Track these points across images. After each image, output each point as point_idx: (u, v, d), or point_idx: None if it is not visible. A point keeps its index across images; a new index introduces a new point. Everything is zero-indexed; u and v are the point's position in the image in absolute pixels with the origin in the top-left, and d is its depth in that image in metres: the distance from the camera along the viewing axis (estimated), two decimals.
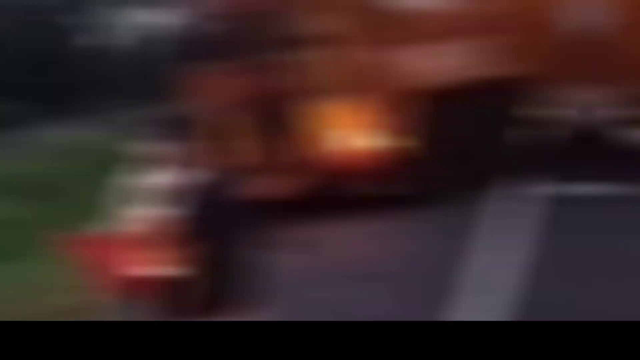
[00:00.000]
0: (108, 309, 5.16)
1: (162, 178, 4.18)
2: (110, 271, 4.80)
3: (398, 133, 8.90)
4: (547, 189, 9.37)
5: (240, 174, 6.32)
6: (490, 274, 6.59)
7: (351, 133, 8.80)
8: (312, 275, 6.78)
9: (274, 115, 9.15)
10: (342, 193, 9.38)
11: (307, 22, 9.30)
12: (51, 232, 5.78)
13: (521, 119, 10.03)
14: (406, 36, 9.21)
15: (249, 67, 9.33)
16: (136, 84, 29.56)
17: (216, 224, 3.92)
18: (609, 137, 10.76)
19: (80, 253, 4.94)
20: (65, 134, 20.05)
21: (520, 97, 9.84)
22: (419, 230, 8.33)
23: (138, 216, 4.32)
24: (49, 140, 19.83)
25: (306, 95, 9.12)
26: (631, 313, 5.04)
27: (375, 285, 6.74)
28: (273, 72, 9.34)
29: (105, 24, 38.32)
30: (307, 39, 9.21)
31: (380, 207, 9.12)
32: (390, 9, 9.86)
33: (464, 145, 9.27)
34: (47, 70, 27.82)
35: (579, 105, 10.08)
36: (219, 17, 10.30)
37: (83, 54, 35.20)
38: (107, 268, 4.78)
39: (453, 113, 9.15)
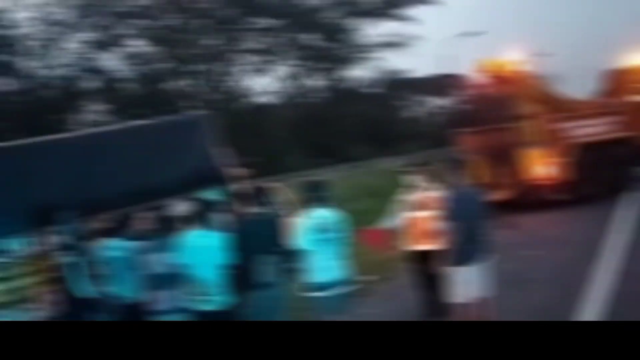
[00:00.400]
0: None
1: (430, 194, 6.40)
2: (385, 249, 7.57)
3: (565, 167, 13.60)
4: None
5: (481, 188, 12.22)
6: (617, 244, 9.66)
7: (542, 166, 13.57)
8: (515, 240, 10.14)
9: (503, 156, 14.17)
10: (536, 197, 14.08)
11: (518, 106, 14.28)
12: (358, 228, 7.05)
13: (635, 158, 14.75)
14: (570, 114, 14.24)
15: (489, 130, 14.51)
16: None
17: (467, 215, 5.69)
18: None
19: (371, 240, 7.70)
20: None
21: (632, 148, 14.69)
22: (578, 217, 12.61)
23: (410, 217, 6.66)
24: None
25: (520, 145, 14.05)
26: None
27: (551, 247, 10.11)
28: (502, 133, 14.43)
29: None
30: (519, 115, 14.22)
31: (555, 205, 13.78)
32: (562, 98, 15.27)
33: (601, 173, 14.00)
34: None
35: None
36: (472, 100, 15.70)
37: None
38: (383, 247, 7.41)
39: (594, 156, 13.95)
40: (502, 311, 6.51)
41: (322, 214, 5.73)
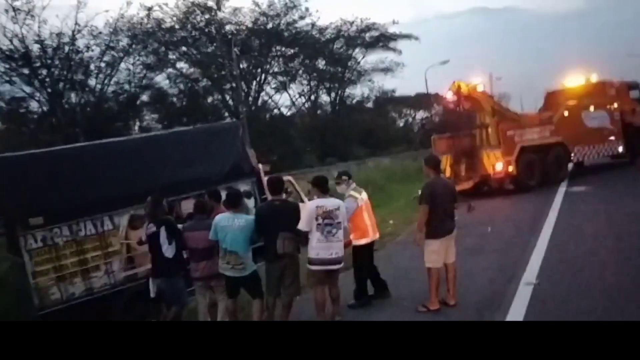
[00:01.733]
0: None
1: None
2: None
3: (513, 164, 13.89)
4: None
5: (454, 180, 12.64)
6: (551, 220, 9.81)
7: (497, 163, 13.82)
8: (473, 220, 10.30)
9: (467, 155, 14.58)
10: (491, 187, 14.66)
11: (479, 117, 14.74)
12: None
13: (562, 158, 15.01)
14: (520, 124, 14.53)
15: (457, 136, 14.81)
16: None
17: (441, 200, 5.66)
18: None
19: None
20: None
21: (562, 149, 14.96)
22: (521, 202, 12.95)
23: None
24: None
25: (480, 147, 14.45)
26: None
27: (501, 222, 10.60)
28: (467, 138, 14.86)
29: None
30: (479, 124, 14.69)
31: (505, 193, 14.29)
32: (511, 112, 15.65)
33: (540, 169, 14.43)
34: None
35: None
36: (448, 112, 16.47)
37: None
38: None
39: (534, 156, 14.28)
40: (464, 274, 6.79)
41: (328, 202, 5.56)
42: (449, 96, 14.54)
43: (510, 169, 13.93)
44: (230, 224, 5.60)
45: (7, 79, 30.03)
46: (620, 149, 16.54)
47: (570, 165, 16.28)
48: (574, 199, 12.19)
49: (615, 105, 16.45)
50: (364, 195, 6.27)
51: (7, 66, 29.93)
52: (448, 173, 14.66)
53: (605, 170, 16.78)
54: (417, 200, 5.99)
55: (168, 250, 5.82)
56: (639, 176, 14.87)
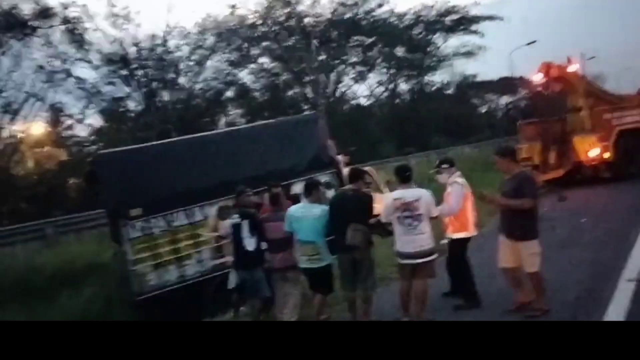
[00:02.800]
0: None
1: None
2: None
3: (610, 150, 13.06)
4: None
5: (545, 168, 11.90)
6: None
7: (592, 149, 13.01)
8: (566, 209, 10.43)
9: (558, 141, 13.82)
10: (584, 175, 13.80)
11: (572, 100, 14.06)
12: None
13: None
14: (618, 106, 13.59)
15: (547, 121, 14.21)
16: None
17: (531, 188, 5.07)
18: None
19: None
20: None
21: None
22: (619, 192, 12.13)
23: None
24: None
25: (572, 132, 13.64)
26: None
27: (597, 213, 9.98)
28: (558, 123, 14.18)
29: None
30: (572, 108, 13.94)
31: (600, 182, 13.37)
32: (606, 93, 14.49)
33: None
34: None
35: None
36: (533, 97, 15.61)
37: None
38: None
39: (633, 141, 13.19)
40: (558, 268, 6.47)
41: (407, 194, 5.25)
42: (537, 78, 13.77)
43: (607, 155, 13.02)
44: (306, 214, 5.54)
45: (109, 80, 32.18)
46: None
47: None
48: None
49: None
50: (468, 186, 5.80)
51: (109, 69, 32.03)
52: (537, 161, 13.98)
53: None
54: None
55: (250, 243, 5.86)
56: None
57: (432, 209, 5.28)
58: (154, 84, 34.72)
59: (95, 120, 33.22)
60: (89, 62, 30.79)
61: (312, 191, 5.77)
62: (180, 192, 7.37)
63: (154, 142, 8.77)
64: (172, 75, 35.74)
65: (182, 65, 36.36)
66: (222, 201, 7.34)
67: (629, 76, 53.83)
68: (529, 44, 34.86)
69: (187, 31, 35.01)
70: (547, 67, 13.51)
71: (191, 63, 36.79)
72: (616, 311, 4.86)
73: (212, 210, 7.48)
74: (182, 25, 34.56)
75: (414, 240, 5.17)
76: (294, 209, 5.70)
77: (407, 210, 5.15)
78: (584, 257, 7.02)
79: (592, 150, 13.00)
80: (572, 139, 13.38)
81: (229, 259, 6.51)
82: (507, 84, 42.49)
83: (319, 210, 5.53)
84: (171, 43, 34.57)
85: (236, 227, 5.94)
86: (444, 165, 5.84)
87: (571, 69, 13.53)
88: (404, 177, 5.39)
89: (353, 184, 5.62)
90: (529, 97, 15.78)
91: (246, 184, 6.53)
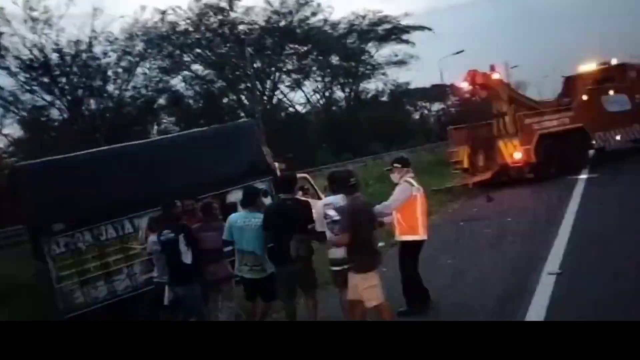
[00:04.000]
0: None
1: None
2: None
3: (532, 153, 13.55)
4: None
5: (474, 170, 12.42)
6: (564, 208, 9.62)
7: (515, 151, 13.50)
8: (490, 210, 11.09)
9: (484, 145, 14.35)
10: (510, 176, 14.30)
11: (496, 106, 14.59)
12: None
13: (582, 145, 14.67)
14: (538, 111, 14.23)
15: (474, 126, 14.94)
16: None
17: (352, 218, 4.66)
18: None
19: None
20: None
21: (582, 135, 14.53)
22: (542, 191, 12.48)
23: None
24: None
25: (499, 136, 14.14)
26: None
27: (521, 211, 10.36)
28: (485, 127, 14.86)
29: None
30: (497, 113, 14.50)
31: (524, 182, 13.98)
32: (528, 99, 15.40)
33: (559, 157, 13.93)
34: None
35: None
36: (463, 102, 16.22)
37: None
38: None
39: (553, 143, 13.86)
40: (485, 265, 6.89)
41: (337, 199, 5.10)
42: (464, 86, 14.27)
43: (530, 157, 13.65)
44: (247, 224, 5.42)
45: (28, 88, 30.56)
46: None
47: (591, 152, 15.91)
48: (596, 186, 11.92)
49: (637, 88, 15.89)
50: (420, 188, 5.58)
51: (28, 76, 30.43)
52: (466, 164, 14.59)
53: (628, 155, 16.29)
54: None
55: (187, 257, 5.59)
56: None
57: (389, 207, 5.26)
58: (80, 92, 33.36)
59: (14, 130, 31.48)
60: (6, 68, 29.17)
61: (253, 199, 5.69)
62: (108, 204, 7.10)
63: (78, 152, 8.36)
64: (99, 82, 34.51)
65: (110, 72, 35.19)
66: (153, 212, 7.12)
67: (549, 84, 57.33)
68: (456, 53, 36.35)
69: (115, 37, 33.89)
70: (472, 75, 14.03)
71: (119, 70, 35.69)
72: (540, 302, 5.16)
73: (142, 222, 7.25)
74: (109, 30, 33.28)
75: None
76: (234, 218, 5.58)
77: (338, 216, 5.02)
78: (509, 253, 7.40)
79: (516, 153, 13.63)
80: (498, 143, 13.99)
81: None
82: (438, 91, 44.07)
83: (260, 219, 5.40)
84: (97, 49, 33.40)
85: (171, 242, 5.64)
86: (396, 165, 5.68)
87: (495, 76, 14.17)
88: (334, 184, 5.21)
89: (288, 192, 5.47)
90: (458, 104, 16.47)
91: (180, 194, 6.31)
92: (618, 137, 15.55)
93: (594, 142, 15.11)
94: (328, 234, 5.08)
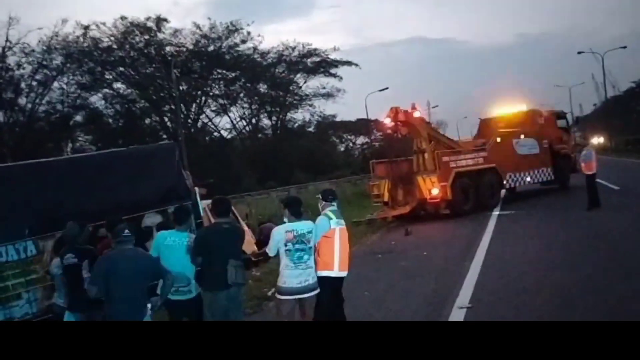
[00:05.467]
0: None
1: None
2: None
3: (449, 189, 14.17)
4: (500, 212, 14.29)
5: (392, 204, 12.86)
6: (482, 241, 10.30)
7: (433, 187, 14.03)
8: (407, 243, 11.44)
9: (405, 180, 14.84)
10: (427, 211, 15.10)
11: (416, 142, 15.18)
12: None
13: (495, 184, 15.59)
14: (455, 150, 14.97)
15: (395, 161, 15.23)
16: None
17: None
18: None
19: None
20: None
21: (495, 175, 15.56)
22: (456, 227, 13.09)
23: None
24: None
25: (419, 172, 14.73)
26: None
27: (437, 246, 10.74)
28: (405, 163, 15.37)
29: None
30: (417, 150, 15.09)
31: (440, 217, 14.72)
32: (448, 139, 16.29)
33: (474, 194, 14.84)
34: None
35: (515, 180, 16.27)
36: (386, 138, 16.68)
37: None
38: None
39: (468, 181, 14.73)
40: (399, 296, 7.07)
41: (299, 226, 5.11)
42: (387, 122, 14.72)
43: (446, 193, 14.23)
44: (178, 243, 5.28)
45: None
46: (549, 175, 17.34)
47: (502, 191, 16.81)
48: (506, 224, 12.59)
49: (545, 133, 17.32)
50: (342, 222, 5.39)
51: None
52: (386, 198, 15.01)
53: (535, 195, 17.56)
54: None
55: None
56: (565, 201, 15.62)
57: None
58: None
59: None
60: None
61: (186, 217, 5.57)
62: (10, 225, 6.62)
63: None
64: (10, 94, 32.55)
65: (23, 85, 33.31)
66: (60, 234, 6.72)
67: (467, 124, 60.56)
68: (382, 90, 37.78)
69: (31, 48, 32.24)
70: (394, 112, 14.54)
71: (34, 83, 33.89)
72: None
73: (48, 244, 6.81)
74: (25, 41, 31.65)
75: (301, 274, 4.98)
76: (162, 236, 5.41)
77: (300, 243, 4.99)
78: (424, 286, 7.64)
79: (434, 189, 14.21)
80: (417, 179, 14.53)
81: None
82: (363, 125, 45.45)
83: (190, 239, 5.31)
84: (11, 60, 31.59)
85: (73, 267, 5.29)
86: (317, 196, 5.62)
87: (416, 114, 14.78)
88: (296, 209, 5.20)
89: (225, 216, 5.32)
90: (381, 138, 16.98)
91: (91, 216, 6.06)
92: (528, 179, 16.70)
93: (505, 182, 16.04)
94: (284, 260, 5.01)
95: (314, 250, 5.08)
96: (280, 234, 5.06)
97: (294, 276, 4.96)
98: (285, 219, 5.24)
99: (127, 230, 4.69)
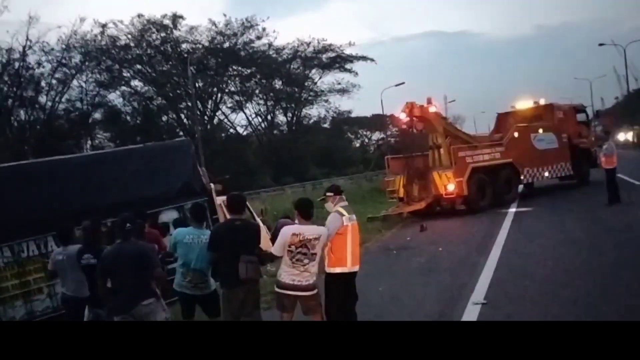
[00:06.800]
0: None
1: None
2: None
3: (465, 185, 14.09)
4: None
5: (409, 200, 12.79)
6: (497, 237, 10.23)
7: (448, 183, 13.97)
8: (422, 239, 11.35)
9: (420, 176, 14.76)
10: (443, 207, 15.01)
11: (432, 137, 15.14)
12: None
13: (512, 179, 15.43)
14: (472, 145, 14.86)
15: (411, 157, 15.13)
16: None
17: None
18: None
19: None
20: None
21: (512, 170, 15.38)
22: (472, 223, 12.97)
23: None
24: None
25: (434, 168, 14.66)
26: None
27: (452, 242, 10.70)
28: (421, 158, 15.23)
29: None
30: (433, 145, 15.06)
31: (456, 213, 14.66)
32: (464, 134, 16.21)
33: (490, 190, 14.68)
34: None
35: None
36: (401, 133, 16.56)
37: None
38: None
39: (485, 177, 14.58)
40: (414, 292, 7.00)
41: (307, 230, 5.06)
42: (402, 117, 14.63)
43: (462, 189, 14.10)
44: (195, 240, 5.37)
45: None
46: (568, 170, 17.09)
47: (520, 187, 16.61)
48: (523, 220, 12.44)
49: (563, 127, 17.04)
50: (353, 218, 5.35)
51: None
52: (401, 193, 14.95)
53: (553, 191, 17.31)
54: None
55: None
56: (584, 197, 15.39)
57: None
58: (10, 102, 31.81)
59: None
60: None
61: (201, 216, 5.63)
62: (32, 220, 6.77)
63: (2, 165, 7.94)
64: (31, 93, 33.07)
65: (43, 83, 33.81)
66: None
67: (484, 119, 59.90)
68: (398, 85, 37.51)
69: (51, 47, 32.69)
70: (410, 107, 14.47)
71: (54, 81, 34.37)
72: None
73: None
74: (45, 40, 32.09)
75: (293, 273, 5.01)
76: (181, 233, 5.48)
77: (304, 247, 4.97)
78: (439, 282, 7.60)
79: (450, 185, 14.10)
80: (433, 174, 14.42)
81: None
82: (378, 121, 45.24)
83: (207, 236, 5.38)
84: (31, 58, 32.07)
85: (93, 267, 5.25)
86: (328, 193, 5.51)
87: (431, 109, 14.68)
88: (306, 212, 5.15)
89: (238, 213, 5.35)
90: (397, 134, 16.89)
91: (109, 212, 6.19)
92: (546, 174, 16.46)
93: (522, 177, 15.83)
94: (285, 258, 5.04)
95: (317, 257, 5.04)
96: (287, 235, 5.05)
97: (289, 274, 5.02)
98: (295, 221, 5.29)
99: (127, 224, 4.79)
